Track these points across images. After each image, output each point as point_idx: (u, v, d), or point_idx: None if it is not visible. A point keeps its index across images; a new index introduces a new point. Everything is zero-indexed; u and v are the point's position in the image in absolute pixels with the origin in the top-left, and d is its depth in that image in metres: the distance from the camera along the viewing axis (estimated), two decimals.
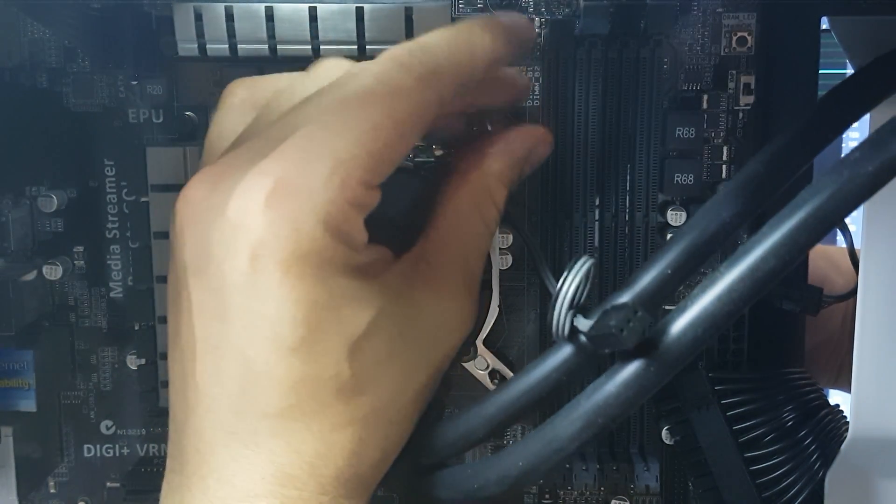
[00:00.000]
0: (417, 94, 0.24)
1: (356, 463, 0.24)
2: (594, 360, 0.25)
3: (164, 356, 0.34)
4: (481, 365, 0.36)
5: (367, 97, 0.24)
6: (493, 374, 0.36)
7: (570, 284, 0.24)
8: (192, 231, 0.24)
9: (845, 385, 0.41)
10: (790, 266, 0.22)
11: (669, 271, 0.26)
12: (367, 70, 0.24)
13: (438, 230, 0.27)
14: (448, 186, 0.28)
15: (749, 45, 0.34)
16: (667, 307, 0.26)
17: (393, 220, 0.27)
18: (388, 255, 0.26)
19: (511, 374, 0.36)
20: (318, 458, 0.23)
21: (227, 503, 0.22)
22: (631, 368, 0.23)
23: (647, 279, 0.26)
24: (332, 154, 0.23)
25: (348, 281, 0.24)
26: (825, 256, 0.39)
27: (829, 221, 0.22)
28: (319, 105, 0.24)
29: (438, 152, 0.34)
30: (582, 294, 0.24)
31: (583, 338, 0.24)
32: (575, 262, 0.24)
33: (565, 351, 0.25)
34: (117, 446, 0.38)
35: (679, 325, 0.23)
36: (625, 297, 0.26)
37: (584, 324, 0.24)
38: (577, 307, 0.24)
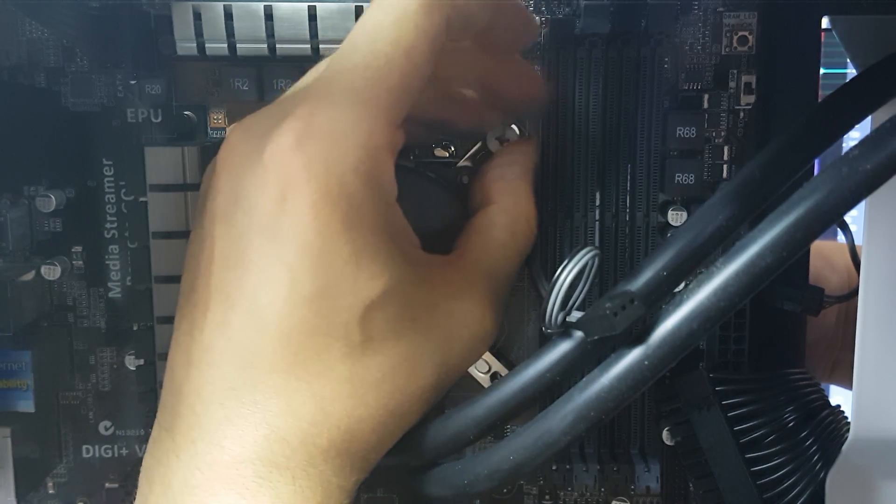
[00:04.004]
0: (423, 18, 0.24)
1: (350, 440, 0.23)
2: (587, 358, 0.25)
3: (163, 357, 0.34)
4: (482, 368, 0.35)
5: (374, 31, 0.24)
6: (495, 376, 0.36)
7: (568, 273, 0.24)
8: (227, 177, 0.24)
9: (839, 380, 0.41)
10: (787, 262, 0.22)
11: (665, 273, 0.26)
12: (372, 7, 0.25)
13: (470, 239, 0.28)
14: (483, 200, 0.28)
15: (750, 44, 0.34)
16: None
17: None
18: (417, 243, 0.26)
19: None
20: (314, 425, 0.23)
21: (213, 469, 0.22)
22: (625, 362, 0.23)
23: (641, 280, 0.26)
24: (354, 96, 0.23)
25: (372, 238, 0.23)
26: (820, 254, 0.39)
27: (826, 218, 0.22)
28: (338, 53, 0.25)
29: (439, 153, 0.34)
30: (582, 290, 0.24)
31: (574, 330, 0.24)
32: (578, 251, 0.24)
33: (558, 350, 0.25)
34: (116, 447, 0.38)
35: (674, 319, 0.23)
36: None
37: (576, 315, 0.24)
38: (574, 304, 0.24)
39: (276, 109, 0.24)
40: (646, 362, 0.23)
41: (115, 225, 0.36)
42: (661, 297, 0.26)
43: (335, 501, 0.23)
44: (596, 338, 0.24)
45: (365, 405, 0.24)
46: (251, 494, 0.22)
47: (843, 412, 0.35)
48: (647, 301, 0.24)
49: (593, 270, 0.24)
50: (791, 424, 0.33)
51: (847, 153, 0.22)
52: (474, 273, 0.27)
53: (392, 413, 0.24)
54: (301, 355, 0.23)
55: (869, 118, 0.27)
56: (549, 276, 0.26)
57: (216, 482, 0.22)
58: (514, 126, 0.32)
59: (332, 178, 0.23)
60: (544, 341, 0.35)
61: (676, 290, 0.26)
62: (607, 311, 0.23)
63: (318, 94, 0.24)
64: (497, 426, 0.26)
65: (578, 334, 0.24)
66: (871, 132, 0.21)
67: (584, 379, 0.24)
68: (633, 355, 0.23)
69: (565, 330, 0.24)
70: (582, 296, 0.24)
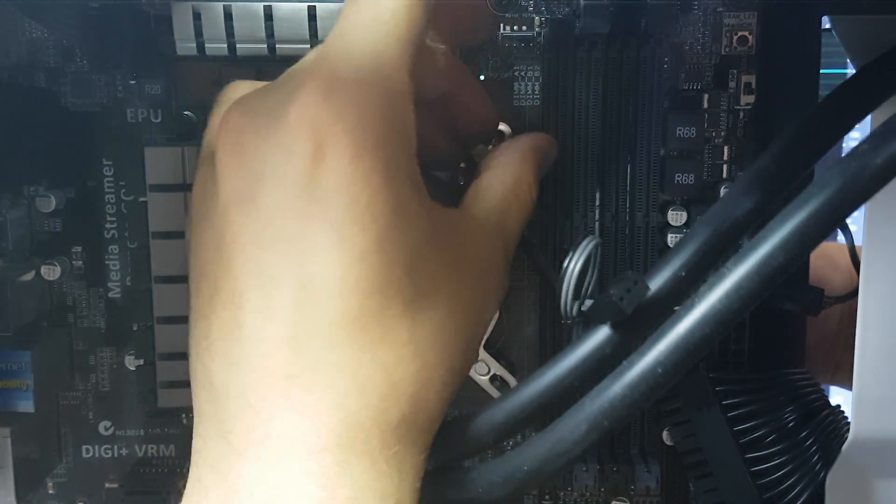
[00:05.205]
0: None
1: (417, 410, 0.22)
2: (607, 362, 0.25)
3: (163, 357, 0.34)
4: (482, 370, 0.35)
5: None
6: (494, 378, 0.36)
7: (575, 264, 0.24)
8: (239, 159, 0.23)
9: (842, 381, 0.41)
10: (799, 261, 0.21)
11: (683, 273, 0.25)
12: None
13: (478, 193, 0.27)
14: (488, 165, 0.28)
15: (750, 44, 0.34)
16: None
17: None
18: (428, 194, 0.25)
19: (513, 379, 0.36)
20: (384, 400, 0.22)
21: (288, 462, 0.21)
22: (637, 369, 0.22)
23: (659, 280, 0.25)
24: (370, 47, 0.23)
25: (409, 186, 0.23)
26: (822, 255, 0.39)
27: (838, 214, 0.21)
28: (341, 17, 0.24)
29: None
30: (591, 278, 0.24)
31: (592, 322, 0.24)
32: (580, 241, 0.24)
33: (576, 354, 0.25)
34: (116, 447, 0.38)
35: (687, 323, 0.22)
36: None
37: (589, 303, 0.24)
38: (586, 291, 0.24)
39: (276, 86, 0.24)
40: (659, 369, 0.22)
41: (115, 225, 0.36)
42: (677, 299, 0.25)
43: (409, 483, 0.23)
44: (609, 323, 0.23)
45: (429, 367, 0.23)
46: (331, 484, 0.21)
47: (843, 412, 0.35)
48: (660, 308, 0.24)
49: (598, 258, 0.24)
50: (791, 424, 0.33)
51: (855, 148, 0.21)
52: (488, 219, 0.26)
53: (450, 370, 0.23)
54: (361, 321, 0.21)
55: (869, 116, 0.27)
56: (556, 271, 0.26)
57: (292, 474, 0.21)
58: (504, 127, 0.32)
59: (368, 128, 0.22)
60: (544, 342, 0.35)
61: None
62: (613, 297, 0.22)
63: (332, 53, 0.23)
64: (516, 430, 0.25)
65: (600, 335, 0.24)
66: (879, 126, 0.21)
67: (596, 387, 0.23)
68: (646, 362, 0.22)
69: (582, 318, 0.24)
70: (592, 284, 0.24)
